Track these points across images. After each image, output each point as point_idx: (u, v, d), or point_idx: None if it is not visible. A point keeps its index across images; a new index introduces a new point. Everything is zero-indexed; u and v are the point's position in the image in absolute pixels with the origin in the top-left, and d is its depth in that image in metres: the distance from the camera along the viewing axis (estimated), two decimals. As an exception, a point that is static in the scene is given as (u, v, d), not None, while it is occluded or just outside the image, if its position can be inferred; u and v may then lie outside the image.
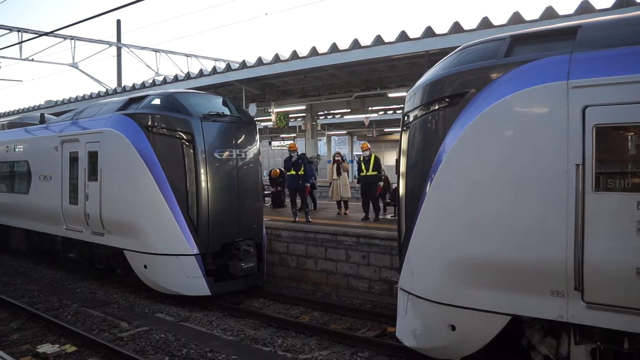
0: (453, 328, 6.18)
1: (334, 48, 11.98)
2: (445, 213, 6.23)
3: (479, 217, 5.90)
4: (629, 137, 5.24)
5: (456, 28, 9.98)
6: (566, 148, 5.23)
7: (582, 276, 5.20)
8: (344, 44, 11.90)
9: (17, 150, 15.37)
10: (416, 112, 6.76)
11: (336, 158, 15.92)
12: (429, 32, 10.35)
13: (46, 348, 7.82)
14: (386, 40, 11.05)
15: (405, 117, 7.18)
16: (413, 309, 6.80)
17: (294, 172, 13.80)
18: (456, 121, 6.02)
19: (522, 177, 5.59)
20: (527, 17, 9.23)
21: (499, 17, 9.52)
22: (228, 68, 14.77)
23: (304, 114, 18.23)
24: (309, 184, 14.37)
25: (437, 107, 6.37)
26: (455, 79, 6.24)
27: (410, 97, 7.06)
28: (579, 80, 5.21)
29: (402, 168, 7.12)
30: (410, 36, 10.69)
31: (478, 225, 5.90)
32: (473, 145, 5.97)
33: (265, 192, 16.38)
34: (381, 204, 14.41)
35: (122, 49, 27.10)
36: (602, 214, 5.11)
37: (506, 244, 5.69)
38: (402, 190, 7.14)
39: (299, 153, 14.43)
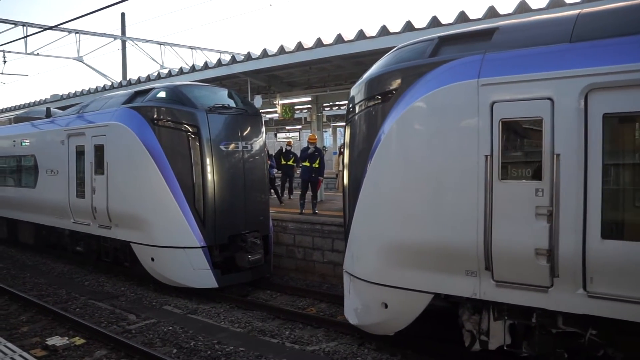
0: (386, 306, 6.88)
1: (339, 39, 11.91)
2: (377, 201, 6.89)
3: (404, 205, 6.52)
4: (528, 130, 5.73)
5: (462, 17, 9.90)
6: (477, 140, 5.80)
7: (491, 257, 5.79)
8: (349, 35, 11.82)
9: (24, 144, 15.43)
10: (357, 107, 7.36)
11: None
12: (434, 22, 10.25)
13: (55, 340, 7.88)
14: (392, 30, 10.96)
15: (349, 111, 7.72)
16: (354, 289, 7.51)
17: (308, 164, 13.70)
18: (388, 116, 6.61)
19: (441, 167, 6.17)
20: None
21: (507, 6, 9.47)
22: (233, 60, 14.71)
23: (309, 106, 18.15)
24: (322, 178, 14.27)
25: (373, 103, 6.98)
26: (388, 77, 6.84)
27: (352, 93, 7.62)
28: (487, 79, 5.77)
29: (346, 159, 7.73)
30: (416, 26, 10.59)
31: (404, 211, 6.53)
32: (398, 138, 6.59)
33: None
34: None
35: (126, 42, 27.11)
36: (506, 201, 5.67)
37: (427, 228, 6.29)
38: (345, 180, 7.76)
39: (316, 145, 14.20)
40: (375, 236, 6.94)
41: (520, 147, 5.83)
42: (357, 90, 7.45)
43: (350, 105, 7.66)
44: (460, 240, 5.98)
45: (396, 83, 6.65)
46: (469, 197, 5.85)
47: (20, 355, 5.85)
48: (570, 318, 5.62)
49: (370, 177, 6.88)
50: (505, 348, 6.16)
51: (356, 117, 7.39)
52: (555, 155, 5.37)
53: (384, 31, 11.07)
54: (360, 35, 11.48)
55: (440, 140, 6.19)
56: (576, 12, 5.97)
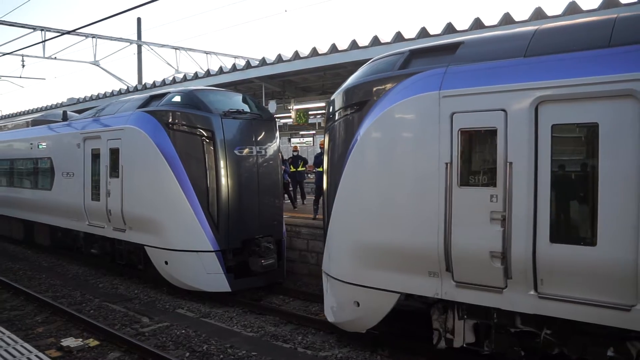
0: (358, 304, 7.27)
1: (353, 45, 11.94)
2: (350, 205, 7.25)
3: (373, 207, 6.90)
4: (484, 139, 5.99)
5: (477, 24, 9.89)
6: (438, 149, 6.14)
7: (450, 259, 6.13)
8: (363, 41, 11.85)
9: (40, 147, 15.61)
10: (336, 115, 7.71)
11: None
12: (449, 29, 10.25)
13: (70, 342, 7.95)
14: (406, 37, 10.97)
15: (329, 119, 8.04)
16: (330, 288, 7.87)
17: (322, 169, 13.63)
18: (362, 124, 6.98)
19: (406, 173, 6.54)
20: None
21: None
22: (248, 65, 14.78)
23: (323, 111, 18.19)
24: None
25: (350, 112, 7.36)
26: (362, 88, 7.25)
27: (331, 102, 7.96)
28: (448, 91, 6.12)
29: (325, 165, 8.08)
30: (431, 33, 10.59)
31: (373, 215, 6.87)
32: (369, 146, 6.95)
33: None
34: None
35: (142, 47, 27.32)
36: (464, 206, 6.01)
37: (393, 230, 6.62)
38: (325, 185, 8.07)
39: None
40: (348, 237, 7.33)
41: (477, 155, 6.13)
42: (335, 99, 7.79)
43: (330, 113, 7.98)
44: (423, 243, 6.31)
45: (369, 93, 7.05)
46: (431, 201, 6.21)
47: (37, 356, 5.89)
48: (527, 318, 5.89)
49: (344, 181, 7.26)
50: (464, 346, 6.50)
51: (335, 124, 7.73)
52: (508, 163, 5.67)
53: (398, 37, 11.09)
54: (375, 41, 11.50)
55: (407, 148, 6.58)
56: (535, 27, 6.25)
